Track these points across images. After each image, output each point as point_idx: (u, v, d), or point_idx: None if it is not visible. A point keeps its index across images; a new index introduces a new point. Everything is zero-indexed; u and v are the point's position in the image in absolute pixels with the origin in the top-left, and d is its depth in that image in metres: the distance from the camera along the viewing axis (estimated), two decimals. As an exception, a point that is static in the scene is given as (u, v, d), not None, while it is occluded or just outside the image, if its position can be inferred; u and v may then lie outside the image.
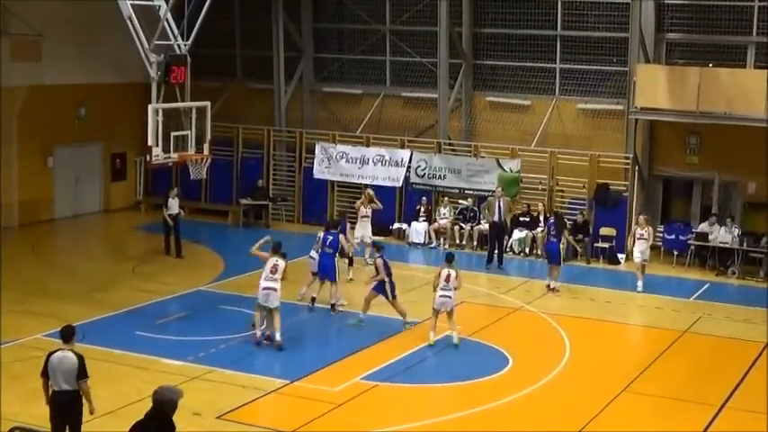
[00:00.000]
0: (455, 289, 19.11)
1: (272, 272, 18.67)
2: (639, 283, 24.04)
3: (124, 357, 17.92)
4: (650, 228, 24.56)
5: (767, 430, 15.42)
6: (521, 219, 27.79)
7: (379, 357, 18.43)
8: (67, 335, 12.95)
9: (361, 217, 25.96)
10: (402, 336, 19.85)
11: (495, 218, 26.41)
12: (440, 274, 19.12)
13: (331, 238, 21.37)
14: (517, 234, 27.58)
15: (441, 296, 18.98)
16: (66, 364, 12.56)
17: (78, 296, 22.15)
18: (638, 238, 24.09)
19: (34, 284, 23.09)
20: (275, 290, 18.57)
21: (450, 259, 19.45)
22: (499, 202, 26.45)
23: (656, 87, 25.77)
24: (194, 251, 27.41)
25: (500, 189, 26.99)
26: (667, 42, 27.86)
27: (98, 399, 14.85)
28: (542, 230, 27.27)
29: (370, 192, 26.73)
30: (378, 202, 26.39)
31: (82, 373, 12.59)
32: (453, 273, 19.09)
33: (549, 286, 23.73)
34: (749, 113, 25.18)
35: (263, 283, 18.69)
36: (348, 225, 24.42)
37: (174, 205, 26.53)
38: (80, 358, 12.63)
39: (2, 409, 14.49)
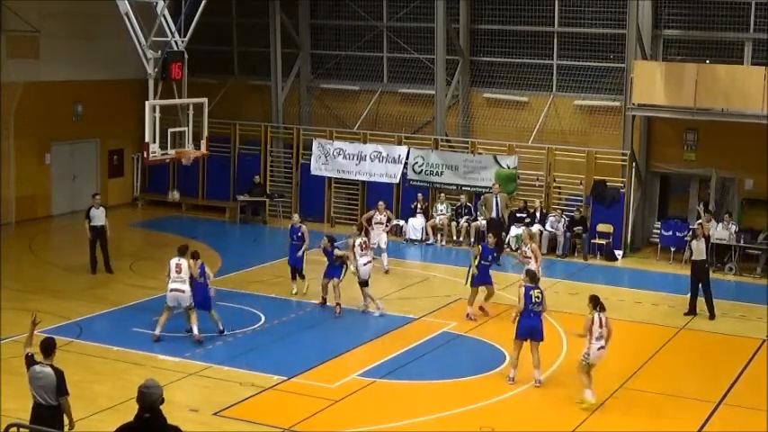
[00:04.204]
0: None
1: (177, 272, 18.56)
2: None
3: (121, 353, 17.92)
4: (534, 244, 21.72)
5: (767, 427, 15.45)
6: (518, 215, 27.80)
7: (376, 354, 18.45)
8: (47, 349, 12.17)
9: (375, 223, 25.21)
10: (399, 332, 19.85)
11: (493, 214, 26.41)
12: (593, 321, 15.99)
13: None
14: (514, 230, 27.57)
15: (599, 347, 16.03)
16: (43, 381, 12.05)
17: (76, 292, 22.17)
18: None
19: (32, 281, 23.08)
20: (182, 291, 18.48)
21: (600, 305, 16.26)
22: (496, 198, 26.46)
23: (653, 84, 25.79)
24: (192, 247, 27.37)
25: (497, 185, 27.00)
26: (665, 39, 27.89)
27: (96, 395, 14.93)
28: (539, 227, 27.37)
29: (382, 203, 26.36)
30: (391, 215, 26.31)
31: (62, 389, 12.00)
32: (605, 318, 16.16)
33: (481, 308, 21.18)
34: (747, 110, 25.20)
35: (170, 285, 18.59)
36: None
37: (98, 216, 23.59)
38: (59, 375, 12.04)
39: (0, 406, 14.48)
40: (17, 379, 16.17)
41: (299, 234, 22.09)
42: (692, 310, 21.79)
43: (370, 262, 21.11)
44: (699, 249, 21.86)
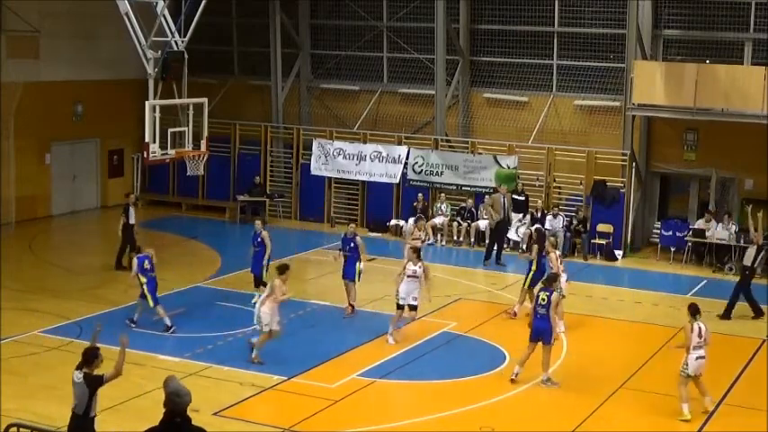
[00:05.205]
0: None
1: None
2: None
3: (121, 354, 17.89)
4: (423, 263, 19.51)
5: (767, 427, 15.46)
6: (515, 197, 27.54)
7: (376, 354, 18.45)
8: (85, 358, 11.92)
9: (413, 239, 24.14)
10: (399, 332, 19.81)
11: (501, 215, 26.41)
12: (692, 330, 15.69)
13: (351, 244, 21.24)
14: (521, 229, 27.52)
15: (698, 357, 15.71)
16: (76, 389, 11.84)
17: (76, 292, 22.17)
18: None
19: (32, 281, 23.09)
20: (261, 311, 17.74)
21: (698, 311, 16.01)
22: (503, 199, 26.47)
23: (653, 84, 25.80)
24: (192, 248, 27.43)
25: (504, 187, 26.95)
26: (664, 39, 27.90)
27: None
28: (539, 228, 27.37)
29: (421, 222, 26.05)
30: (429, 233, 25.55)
31: (99, 384, 11.77)
32: (704, 326, 15.90)
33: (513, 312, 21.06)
34: (747, 110, 25.22)
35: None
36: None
37: (133, 214, 24.33)
38: (92, 389, 11.74)
39: (0, 406, 14.48)
40: (17, 379, 16.24)
41: (259, 240, 21.50)
42: (757, 313, 21.65)
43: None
44: (749, 255, 21.95)
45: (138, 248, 20.14)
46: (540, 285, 17.80)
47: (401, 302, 19.16)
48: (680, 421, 15.64)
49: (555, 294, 16.93)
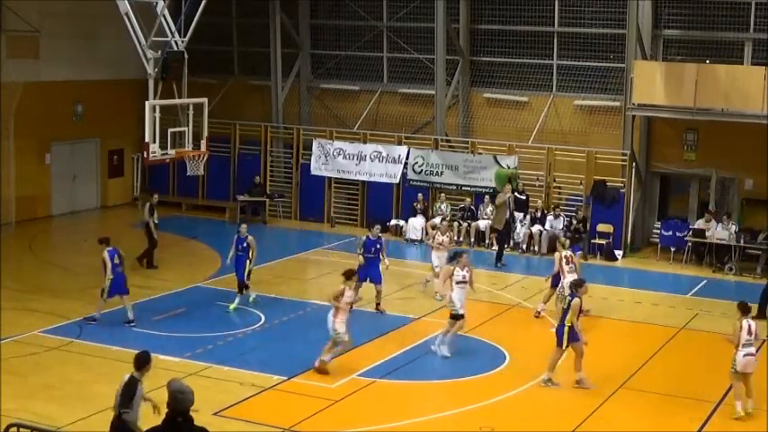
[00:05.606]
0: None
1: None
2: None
3: (121, 353, 17.85)
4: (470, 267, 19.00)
5: (767, 427, 15.45)
6: (517, 196, 27.56)
7: (376, 354, 18.44)
8: (137, 364, 11.99)
9: (437, 244, 22.83)
10: (399, 332, 19.85)
11: (507, 215, 26.41)
12: (741, 327, 15.60)
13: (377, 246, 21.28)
14: (521, 230, 27.55)
15: (746, 354, 15.62)
16: (117, 389, 11.82)
17: (75, 292, 22.14)
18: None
19: (32, 281, 23.09)
20: (336, 324, 17.26)
21: (748, 309, 16.04)
22: (509, 200, 26.47)
23: (653, 84, 25.79)
24: (192, 248, 27.41)
25: (509, 186, 26.92)
26: (664, 39, 27.89)
27: (96, 395, 14.92)
28: (539, 228, 27.38)
29: (445, 224, 25.13)
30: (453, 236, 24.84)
31: (122, 401, 11.61)
32: (754, 324, 15.80)
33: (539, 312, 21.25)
34: (747, 110, 25.21)
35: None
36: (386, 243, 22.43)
37: (156, 214, 24.63)
38: (125, 387, 11.69)
39: (0, 406, 14.47)
40: (17, 379, 16.24)
41: (245, 245, 21.25)
42: (760, 315, 21.06)
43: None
44: None
45: (107, 240, 19.97)
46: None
47: (458, 312, 18.26)
48: (734, 419, 15.61)
49: (575, 300, 16.85)
